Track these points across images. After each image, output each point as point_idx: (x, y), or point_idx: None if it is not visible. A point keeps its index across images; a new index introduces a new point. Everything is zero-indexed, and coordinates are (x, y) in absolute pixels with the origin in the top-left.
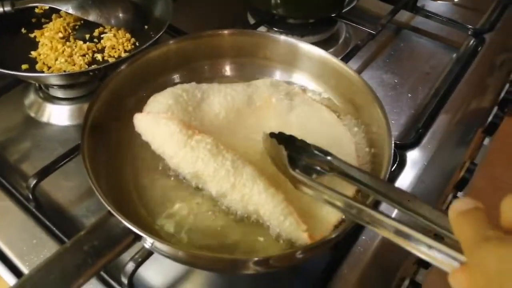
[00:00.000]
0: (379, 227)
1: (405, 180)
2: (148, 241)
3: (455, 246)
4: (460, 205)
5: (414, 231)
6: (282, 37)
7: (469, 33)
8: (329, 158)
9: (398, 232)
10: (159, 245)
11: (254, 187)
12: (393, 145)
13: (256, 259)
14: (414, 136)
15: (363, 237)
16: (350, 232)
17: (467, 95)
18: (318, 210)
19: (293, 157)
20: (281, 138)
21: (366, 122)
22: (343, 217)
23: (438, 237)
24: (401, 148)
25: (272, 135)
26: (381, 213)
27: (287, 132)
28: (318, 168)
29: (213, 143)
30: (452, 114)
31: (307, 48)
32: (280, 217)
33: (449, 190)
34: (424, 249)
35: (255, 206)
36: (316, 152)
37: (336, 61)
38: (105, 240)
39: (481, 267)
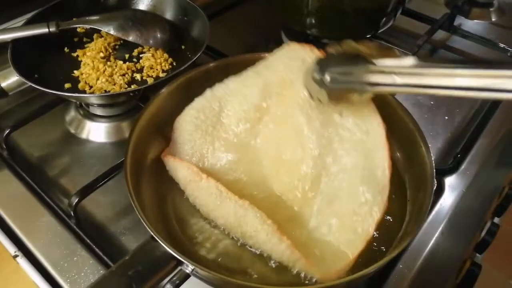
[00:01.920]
0: None
1: (443, 207)
2: (190, 267)
3: None
4: None
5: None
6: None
7: (508, 54)
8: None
9: None
10: (200, 271)
11: (259, 237)
12: (434, 175)
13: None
14: (453, 161)
15: (400, 266)
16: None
17: (506, 119)
18: (331, 248)
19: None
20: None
21: (407, 150)
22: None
23: None
24: (439, 174)
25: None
26: None
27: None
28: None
29: (217, 191)
30: (491, 138)
31: None
32: (290, 264)
33: (488, 217)
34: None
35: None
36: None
37: None
38: (148, 265)
39: None
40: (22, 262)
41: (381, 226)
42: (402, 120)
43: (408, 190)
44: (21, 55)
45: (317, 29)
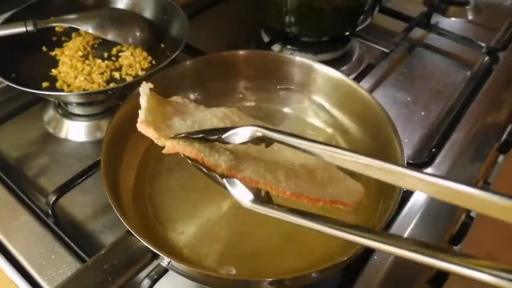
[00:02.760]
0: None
1: (417, 200)
2: (165, 260)
3: None
4: None
5: None
6: (297, 58)
7: (483, 51)
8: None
9: None
10: (175, 264)
11: None
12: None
13: (270, 279)
14: (427, 155)
15: (375, 257)
16: (361, 252)
17: (480, 114)
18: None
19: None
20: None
21: (379, 144)
22: None
23: None
24: (415, 167)
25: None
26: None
27: None
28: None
29: None
30: (465, 133)
31: (322, 69)
32: None
33: (462, 210)
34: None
35: None
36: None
37: (349, 82)
38: (124, 258)
39: None
40: (0, 261)
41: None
42: (375, 113)
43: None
44: None
45: (296, 27)
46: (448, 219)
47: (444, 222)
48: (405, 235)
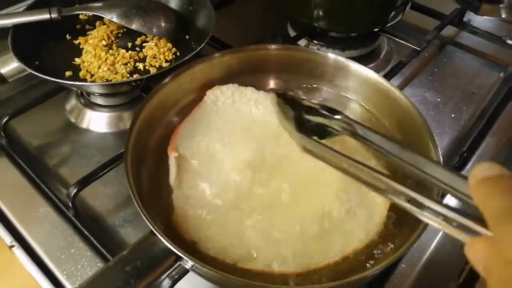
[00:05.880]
0: (391, 194)
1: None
2: (189, 263)
3: (473, 216)
4: (482, 171)
5: (428, 200)
6: (330, 55)
7: None
8: (338, 117)
9: (412, 201)
10: (200, 267)
11: None
12: None
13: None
14: (459, 160)
15: (403, 265)
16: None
17: None
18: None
19: (302, 118)
20: (288, 98)
21: (414, 147)
22: None
23: (453, 207)
24: None
25: (278, 95)
26: (392, 178)
27: None
28: (329, 128)
29: None
30: (498, 137)
31: (354, 67)
32: None
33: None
34: (438, 219)
35: None
36: (324, 112)
37: (384, 82)
38: (147, 260)
39: (509, 241)
40: (18, 252)
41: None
42: (410, 116)
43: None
44: (22, 41)
45: (324, 21)
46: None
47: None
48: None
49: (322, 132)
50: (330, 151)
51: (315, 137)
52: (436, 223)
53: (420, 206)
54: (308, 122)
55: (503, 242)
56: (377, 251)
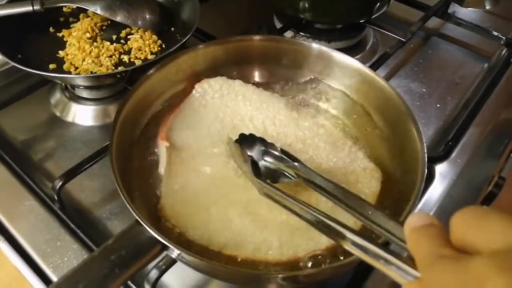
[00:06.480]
0: (337, 238)
1: (433, 194)
2: (175, 252)
3: (410, 261)
4: (415, 220)
5: (371, 245)
6: (313, 45)
7: (501, 42)
8: (296, 164)
9: (356, 244)
10: (186, 256)
11: None
12: (426, 161)
13: (283, 275)
14: (444, 149)
15: None
16: None
17: (498, 108)
18: None
19: (257, 160)
20: (245, 140)
21: (398, 136)
22: None
23: (393, 252)
24: (430, 161)
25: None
26: (340, 223)
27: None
28: (285, 173)
29: None
30: (482, 127)
31: (338, 57)
32: None
33: (478, 205)
34: (381, 262)
35: None
36: (283, 156)
37: (369, 72)
38: (132, 249)
39: (435, 285)
40: (4, 246)
41: None
42: (395, 105)
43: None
44: (4, 34)
45: (310, 13)
46: None
47: None
48: None
49: (277, 176)
50: (283, 195)
51: (268, 181)
52: (379, 265)
53: (365, 250)
54: (264, 166)
55: (430, 284)
56: None
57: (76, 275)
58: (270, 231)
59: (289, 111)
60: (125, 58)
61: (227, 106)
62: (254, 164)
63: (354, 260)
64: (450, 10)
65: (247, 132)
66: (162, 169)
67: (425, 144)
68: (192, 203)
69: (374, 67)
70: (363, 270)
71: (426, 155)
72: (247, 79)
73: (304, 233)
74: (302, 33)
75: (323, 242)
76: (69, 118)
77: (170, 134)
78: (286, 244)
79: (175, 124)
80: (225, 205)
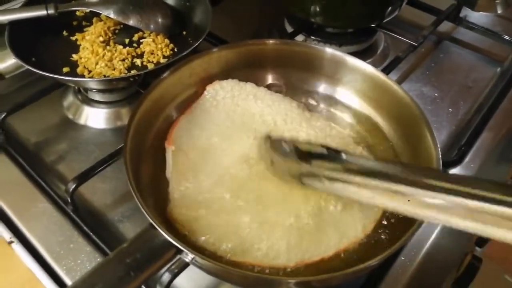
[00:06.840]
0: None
1: None
2: (189, 256)
3: None
4: None
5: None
6: (327, 49)
7: None
8: (343, 155)
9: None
10: (200, 260)
11: None
12: (441, 166)
13: (296, 280)
14: (457, 153)
15: (402, 258)
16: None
17: (511, 112)
18: None
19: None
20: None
21: (411, 141)
22: None
23: None
24: (443, 166)
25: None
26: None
27: None
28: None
29: None
30: (496, 131)
31: (351, 61)
32: None
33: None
34: None
35: None
36: (327, 153)
37: (382, 76)
38: (147, 253)
39: None
40: (17, 248)
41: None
42: (408, 110)
43: None
44: (19, 37)
45: (321, 17)
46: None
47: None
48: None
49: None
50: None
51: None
52: None
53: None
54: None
55: None
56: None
57: (92, 278)
58: (278, 236)
59: (301, 110)
60: (138, 61)
61: (237, 105)
62: (297, 150)
63: (368, 265)
64: (461, 14)
65: (257, 127)
66: (168, 173)
67: (439, 151)
68: (198, 206)
69: (386, 71)
70: (377, 273)
71: (441, 160)
72: (259, 83)
73: (312, 238)
74: (313, 37)
75: (332, 245)
76: (82, 121)
77: (178, 136)
78: (295, 249)
79: (184, 125)
80: (233, 209)
